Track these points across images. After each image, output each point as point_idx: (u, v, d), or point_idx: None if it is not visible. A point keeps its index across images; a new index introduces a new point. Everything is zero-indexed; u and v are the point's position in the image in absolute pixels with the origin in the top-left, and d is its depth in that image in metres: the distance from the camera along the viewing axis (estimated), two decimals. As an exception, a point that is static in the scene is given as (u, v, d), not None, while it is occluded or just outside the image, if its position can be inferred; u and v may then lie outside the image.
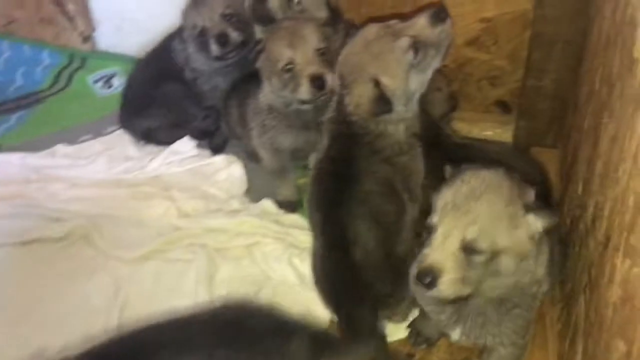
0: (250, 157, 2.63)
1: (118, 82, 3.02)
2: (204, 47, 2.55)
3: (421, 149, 1.99)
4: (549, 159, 2.47)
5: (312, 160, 2.23)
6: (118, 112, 2.80)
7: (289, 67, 2.15)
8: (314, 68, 2.12)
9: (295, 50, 2.13)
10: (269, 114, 2.32)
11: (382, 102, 1.85)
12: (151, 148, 2.69)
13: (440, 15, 1.88)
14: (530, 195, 1.50)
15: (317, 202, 1.99)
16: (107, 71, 3.07)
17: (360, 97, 1.89)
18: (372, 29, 1.90)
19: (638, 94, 1.29)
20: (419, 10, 1.92)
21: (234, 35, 2.51)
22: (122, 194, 2.47)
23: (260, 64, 2.25)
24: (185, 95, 2.73)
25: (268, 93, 2.29)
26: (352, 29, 2.37)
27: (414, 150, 1.97)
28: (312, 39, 2.14)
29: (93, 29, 3.11)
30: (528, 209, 1.46)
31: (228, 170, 2.54)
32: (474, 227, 1.43)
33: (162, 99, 2.71)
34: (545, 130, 2.47)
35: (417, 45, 1.84)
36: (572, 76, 2.27)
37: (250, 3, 2.44)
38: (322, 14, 2.36)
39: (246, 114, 2.45)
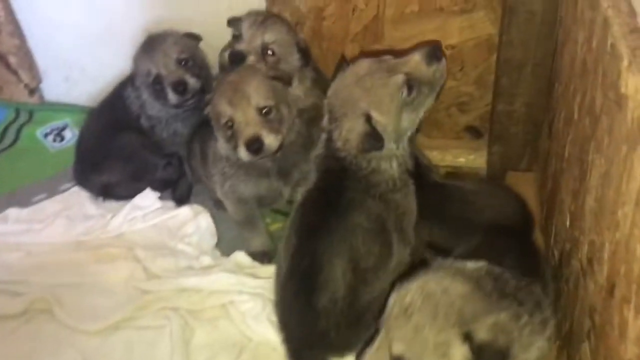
0: (216, 205, 2.51)
1: (70, 135, 2.86)
2: (160, 94, 2.42)
3: (413, 187, 1.90)
4: (525, 183, 2.40)
5: (299, 194, 2.10)
6: (72, 168, 2.64)
7: (229, 124, 2.04)
8: (251, 130, 2.00)
9: (235, 109, 2.01)
10: (227, 162, 2.20)
11: (374, 138, 1.76)
12: (111, 204, 2.54)
13: (436, 54, 1.82)
14: (485, 321, 1.38)
15: (296, 227, 1.88)
16: (57, 123, 2.91)
17: (349, 132, 1.79)
18: (363, 64, 1.82)
19: (631, 133, 1.22)
20: (380, 49, 1.85)
21: (192, 82, 2.39)
22: (83, 258, 2.31)
23: (209, 113, 2.13)
24: (143, 144, 2.59)
25: (219, 142, 2.16)
26: (319, 72, 2.29)
27: (407, 188, 1.89)
28: (255, 97, 2.01)
29: (39, 81, 2.94)
30: (468, 339, 1.35)
31: (195, 222, 2.40)
32: (400, 345, 1.37)
33: (118, 150, 2.55)
34: (519, 155, 2.40)
35: (412, 83, 1.77)
36: (543, 99, 2.22)
37: (227, 60, 2.28)
38: (295, 59, 2.26)
39: (208, 157, 2.33)
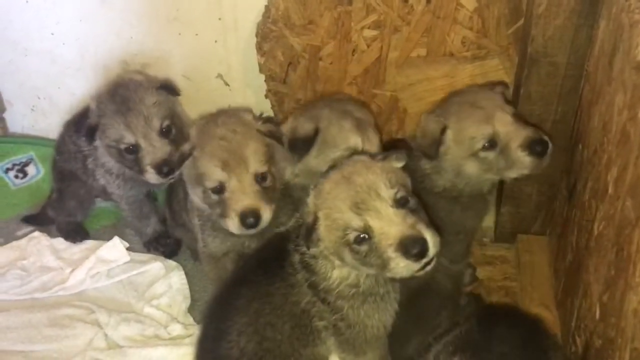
0: (194, 255, 2.24)
1: (35, 171, 2.61)
2: (132, 165, 1.97)
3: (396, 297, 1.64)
4: (538, 248, 2.19)
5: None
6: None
7: (217, 189, 1.75)
8: (248, 202, 1.71)
9: (230, 175, 1.72)
10: (197, 211, 1.94)
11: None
12: (73, 256, 2.26)
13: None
14: None
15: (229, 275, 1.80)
16: (20, 157, 2.65)
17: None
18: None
19: None
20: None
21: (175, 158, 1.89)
22: (37, 320, 2.05)
23: (185, 171, 1.86)
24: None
25: (192, 195, 1.89)
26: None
27: (358, 302, 1.58)
28: (253, 163, 1.73)
29: (2, 110, 2.67)
30: None
31: (167, 281, 2.14)
32: None
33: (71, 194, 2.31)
34: (532, 217, 2.17)
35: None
36: (562, 159, 1.99)
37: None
38: None
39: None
